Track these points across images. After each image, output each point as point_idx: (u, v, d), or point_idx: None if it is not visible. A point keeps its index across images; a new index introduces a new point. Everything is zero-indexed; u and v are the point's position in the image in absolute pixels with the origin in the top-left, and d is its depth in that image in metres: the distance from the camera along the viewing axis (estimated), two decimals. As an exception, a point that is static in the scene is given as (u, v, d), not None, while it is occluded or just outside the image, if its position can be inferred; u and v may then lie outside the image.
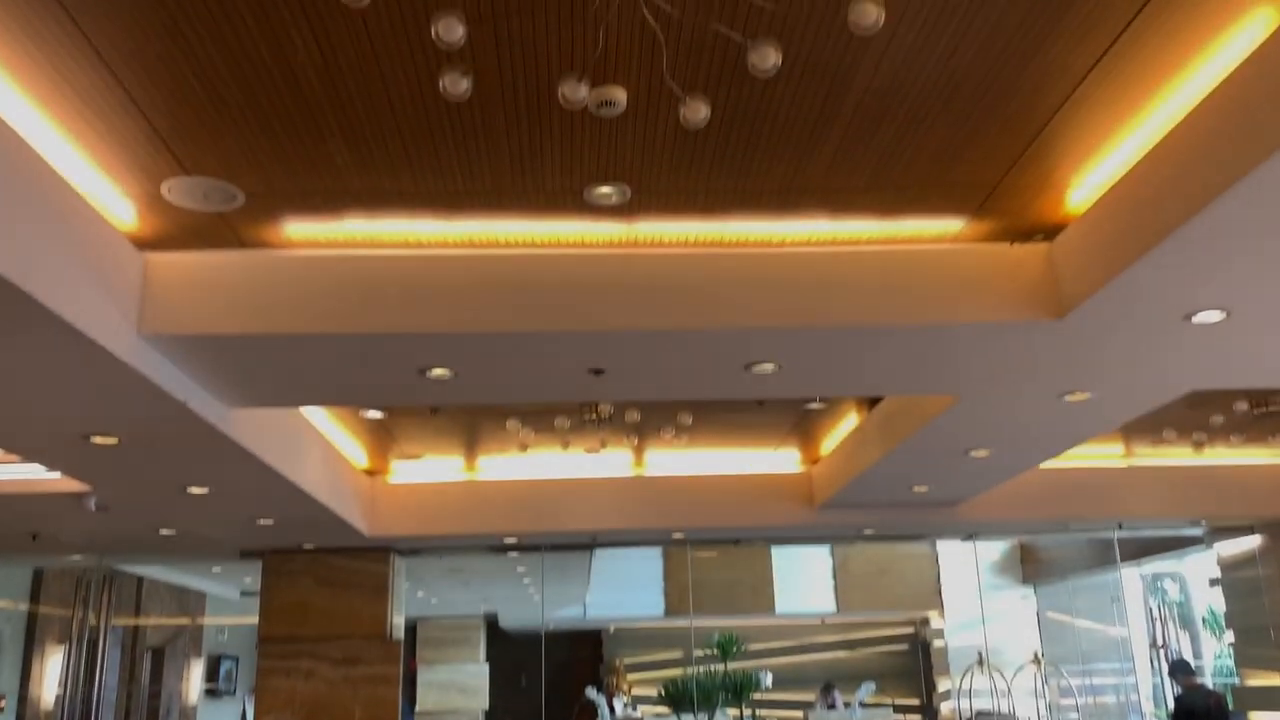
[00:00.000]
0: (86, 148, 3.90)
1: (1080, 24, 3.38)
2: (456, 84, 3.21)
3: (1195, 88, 3.71)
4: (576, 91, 3.24)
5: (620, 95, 3.64)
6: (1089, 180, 4.38)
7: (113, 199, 4.27)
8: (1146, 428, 8.22)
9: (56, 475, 7.32)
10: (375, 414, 7.60)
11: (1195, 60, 3.59)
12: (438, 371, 5.20)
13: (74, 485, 7.45)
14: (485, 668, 16.78)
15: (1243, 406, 7.36)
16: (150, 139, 3.86)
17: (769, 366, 5.27)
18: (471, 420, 8.01)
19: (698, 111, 3.29)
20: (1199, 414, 7.84)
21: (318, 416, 7.70)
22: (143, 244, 4.61)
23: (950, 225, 4.77)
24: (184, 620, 14.87)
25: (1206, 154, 3.65)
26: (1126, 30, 3.41)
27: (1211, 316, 4.65)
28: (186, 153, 3.97)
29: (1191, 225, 3.76)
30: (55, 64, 3.41)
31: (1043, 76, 3.65)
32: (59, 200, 3.92)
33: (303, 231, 4.65)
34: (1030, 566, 15.51)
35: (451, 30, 2.93)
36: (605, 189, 4.36)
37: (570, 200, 4.46)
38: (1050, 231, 4.79)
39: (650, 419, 7.79)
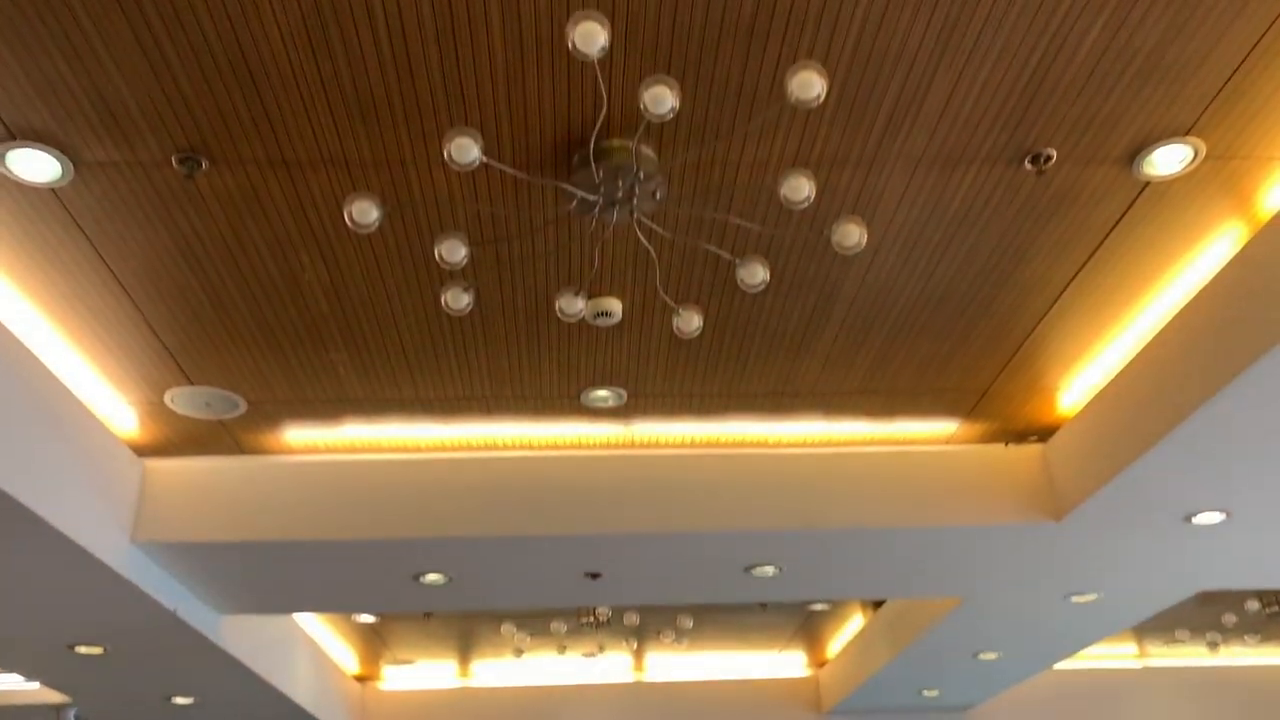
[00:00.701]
0: (94, 359, 4.00)
1: (1055, 243, 3.53)
2: (458, 299, 3.30)
3: (1175, 295, 3.84)
4: (573, 305, 3.33)
5: (616, 306, 3.76)
6: (1078, 383, 4.46)
7: (116, 407, 4.33)
8: (1159, 627, 8.02)
9: (35, 686, 7.09)
10: (367, 618, 7.44)
11: (1171, 271, 3.73)
12: (432, 577, 5.13)
13: (53, 696, 7.21)
14: None
15: (1254, 606, 7.21)
16: (157, 351, 3.96)
17: (769, 569, 5.20)
18: (465, 624, 7.82)
19: (690, 321, 3.38)
20: (1211, 613, 7.67)
21: (308, 620, 7.53)
22: (142, 450, 4.65)
23: (944, 427, 4.82)
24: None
25: (1192, 360, 3.73)
26: (1101, 246, 3.56)
27: (1212, 518, 4.63)
28: (191, 364, 4.06)
29: (1182, 429, 3.80)
30: (71, 282, 3.55)
31: (1024, 289, 3.78)
32: (62, 411, 3.98)
33: (302, 437, 4.69)
34: (1051, 774, 14.73)
35: (454, 252, 3.04)
36: (602, 393, 4.43)
37: (567, 404, 4.52)
38: (1043, 433, 4.84)
39: (649, 622, 7.61)
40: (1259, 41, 2.74)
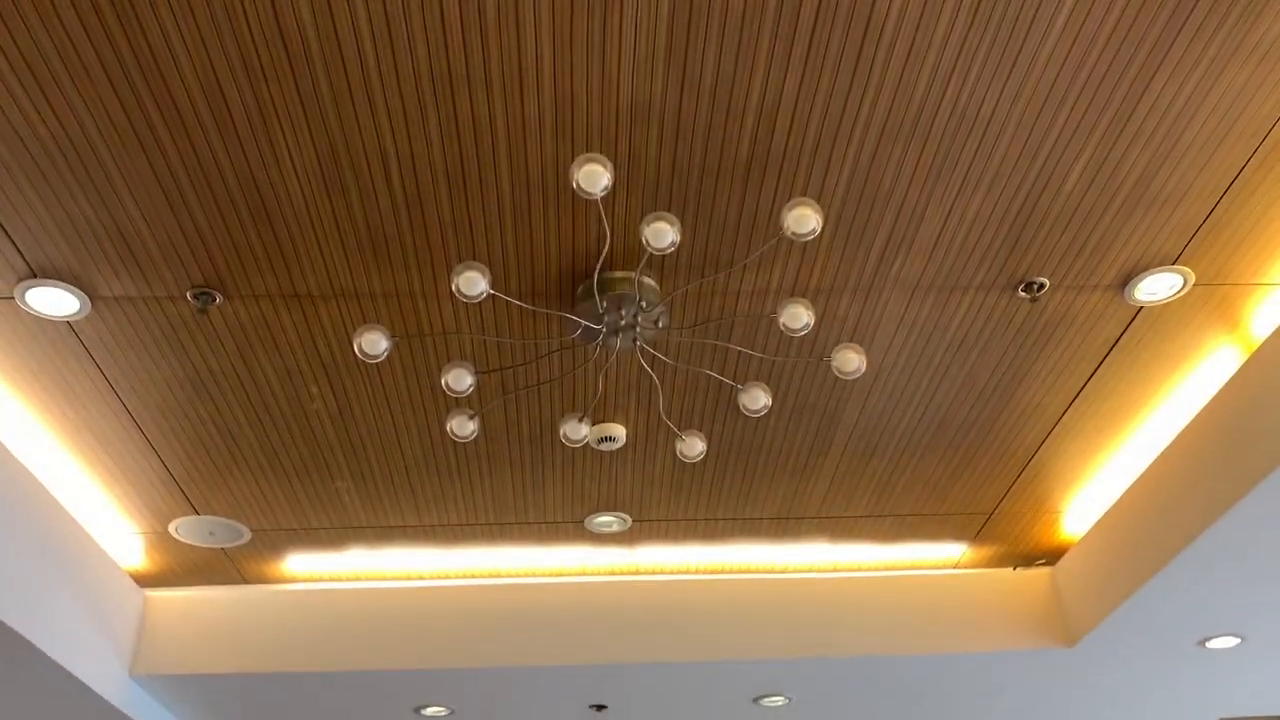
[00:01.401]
0: (101, 489, 4.01)
1: (1052, 367, 3.58)
2: (463, 427, 3.33)
3: (1174, 417, 3.87)
4: (577, 431, 3.36)
5: (620, 431, 3.79)
6: (1083, 505, 4.44)
7: (120, 537, 4.32)
8: (1182, 757, 7.76)
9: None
10: (367, 752, 7.23)
11: (1168, 393, 3.76)
12: (433, 709, 5.02)
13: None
14: None
15: (1279, 733, 6.99)
16: (164, 482, 3.97)
17: (779, 699, 5.09)
18: (468, 757, 7.59)
19: (694, 447, 3.40)
20: (1235, 741, 7.43)
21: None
22: (144, 580, 4.62)
23: (952, 551, 4.79)
24: None
25: (1195, 482, 3.73)
26: (1098, 370, 3.61)
27: (1226, 642, 4.55)
28: (197, 493, 4.07)
29: (1190, 551, 3.78)
30: (81, 412, 3.59)
31: (1024, 412, 3.81)
32: (65, 541, 3.97)
33: (304, 566, 4.67)
34: None
35: (460, 380, 3.09)
36: (606, 518, 4.42)
37: (571, 530, 4.51)
38: (1051, 556, 4.80)
39: (656, 754, 7.38)
40: (1240, 171, 2.84)
